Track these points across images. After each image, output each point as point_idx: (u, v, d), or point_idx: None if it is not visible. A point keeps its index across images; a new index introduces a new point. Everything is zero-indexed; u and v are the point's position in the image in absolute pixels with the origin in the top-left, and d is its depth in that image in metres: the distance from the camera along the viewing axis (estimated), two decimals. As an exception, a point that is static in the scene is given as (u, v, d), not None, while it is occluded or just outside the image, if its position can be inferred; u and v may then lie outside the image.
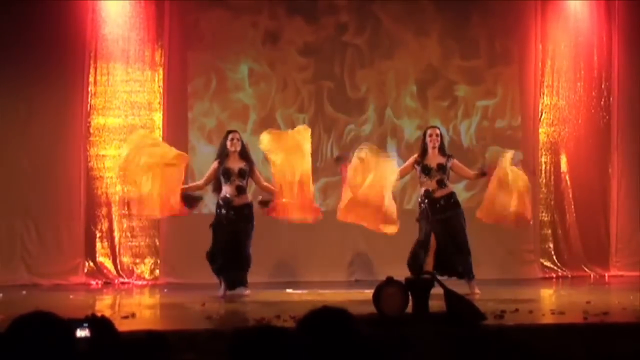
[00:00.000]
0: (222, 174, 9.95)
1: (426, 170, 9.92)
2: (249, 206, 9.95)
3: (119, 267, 11.91)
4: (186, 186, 10.02)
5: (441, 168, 9.93)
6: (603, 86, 12.60)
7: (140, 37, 12.06)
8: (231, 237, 9.87)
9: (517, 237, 12.33)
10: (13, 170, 11.73)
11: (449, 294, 7.49)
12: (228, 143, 10.00)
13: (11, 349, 3.08)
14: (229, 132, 10.23)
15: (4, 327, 3.23)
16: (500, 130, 12.49)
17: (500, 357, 3.82)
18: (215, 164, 10.05)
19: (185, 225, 12.05)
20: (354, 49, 12.35)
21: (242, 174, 9.94)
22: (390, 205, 9.50)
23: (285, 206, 9.74)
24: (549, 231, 12.52)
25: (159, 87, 12.08)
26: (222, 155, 10.03)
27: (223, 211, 9.94)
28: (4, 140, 11.75)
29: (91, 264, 11.88)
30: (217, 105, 12.18)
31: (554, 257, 12.44)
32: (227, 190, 9.92)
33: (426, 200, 9.86)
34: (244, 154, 10.04)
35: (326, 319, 3.26)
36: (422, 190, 9.94)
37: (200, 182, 10.24)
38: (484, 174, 10.04)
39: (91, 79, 11.92)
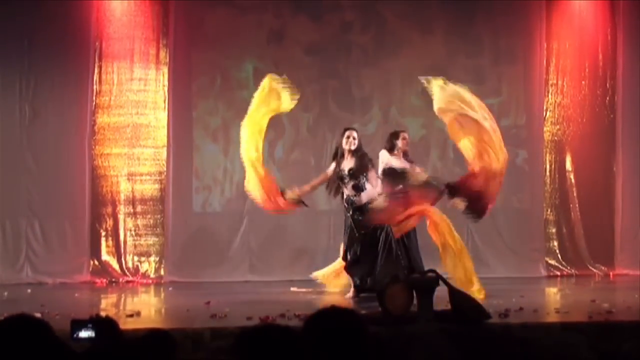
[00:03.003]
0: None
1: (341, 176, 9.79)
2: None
3: (124, 265, 11.93)
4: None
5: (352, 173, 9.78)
6: (608, 85, 12.58)
7: (145, 36, 12.08)
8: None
9: (522, 236, 12.35)
10: (18, 169, 11.75)
11: (454, 293, 7.50)
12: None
13: None
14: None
15: None
16: (505, 129, 12.42)
17: (505, 355, 3.83)
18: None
19: (190, 224, 12.09)
20: (359, 48, 12.35)
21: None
22: None
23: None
24: (554, 230, 12.52)
25: (164, 85, 12.09)
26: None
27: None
28: (9, 139, 11.76)
29: (96, 262, 11.90)
30: (221, 104, 12.18)
31: (559, 256, 12.44)
32: None
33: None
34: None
35: (334, 319, 3.26)
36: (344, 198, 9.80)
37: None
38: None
39: (96, 78, 11.93)
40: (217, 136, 12.16)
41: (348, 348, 3.15)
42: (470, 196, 9.31)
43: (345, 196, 9.76)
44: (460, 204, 9.34)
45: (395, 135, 9.97)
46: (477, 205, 9.39)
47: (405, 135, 10.02)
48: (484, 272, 11.86)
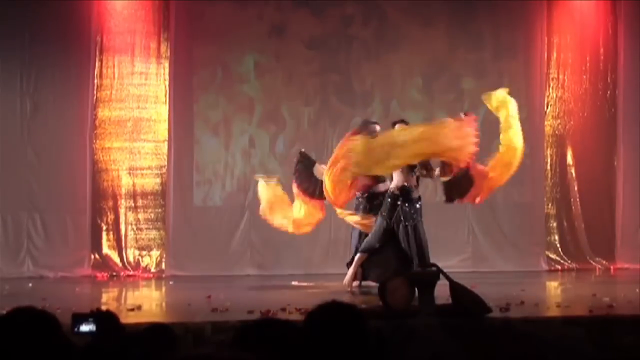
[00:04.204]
0: None
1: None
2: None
3: (125, 259, 11.92)
4: None
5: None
6: (609, 79, 12.57)
7: (145, 30, 12.06)
8: None
9: (523, 230, 12.35)
10: (19, 163, 11.74)
11: (455, 287, 7.50)
12: None
13: None
14: None
15: None
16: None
17: (506, 349, 3.83)
18: None
19: (191, 218, 12.09)
20: (360, 42, 12.34)
21: None
22: None
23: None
24: (555, 224, 12.51)
25: (165, 79, 12.08)
26: None
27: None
28: (10, 133, 11.76)
29: (97, 256, 11.90)
30: (222, 97, 12.18)
31: (560, 250, 12.44)
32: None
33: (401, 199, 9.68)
34: None
35: (335, 314, 3.26)
36: (398, 185, 9.65)
37: None
38: None
39: (97, 72, 11.92)
40: (218, 130, 12.16)
41: (348, 342, 3.15)
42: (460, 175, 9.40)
43: (400, 185, 9.62)
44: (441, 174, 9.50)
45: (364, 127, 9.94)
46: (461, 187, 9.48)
47: (374, 127, 9.85)
48: (485, 266, 11.91)
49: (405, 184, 9.55)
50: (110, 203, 12.00)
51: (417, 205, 9.59)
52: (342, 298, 7.75)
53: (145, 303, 8.89)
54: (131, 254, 11.97)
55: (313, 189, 9.79)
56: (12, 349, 3.06)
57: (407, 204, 9.54)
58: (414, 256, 9.37)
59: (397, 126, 9.67)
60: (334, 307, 3.26)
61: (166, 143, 12.05)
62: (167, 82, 12.07)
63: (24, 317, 3.18)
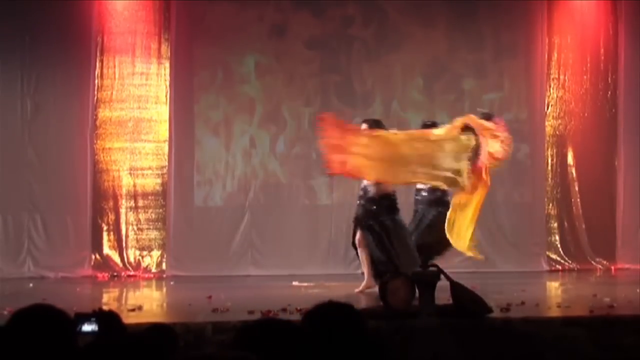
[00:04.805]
0: None
1: None
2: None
3: (125, 259, 11.93)
4: None
5: None
6: (609, 79, 12.57)
7: (146, 30, 12.07)
8: None
9: (524, 230, 12.35)
10: (20, 163, 11.75)
11: (455, 287, 7.50)
12: None
13: (12, 342, 3.09)
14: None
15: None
16: (507, 124, 12.46)
17: (506, 349, 3.84)
18: None
19: (192, 219, 12.10)
20: (360, 42, 12.34)
21: None
22: None
23: None
24: (555, 224, 12.51)
25: (166, 80, 12.08)
26: None
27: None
28: (11, 133, 11.77)
29: (98, 256, 11.90)
30: (223, 98, 12.18)
31: (560, 250, 12.44)
32: None
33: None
34: None
35: (331, 314, 3.27)
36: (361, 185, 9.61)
37: None
38: None
39: (98, 72, 11.93)
40: (219, 130, 12.17)
41: (346, 342, 3.16)
42: None
43: (363, 185, 9.58)
44: None
45: None
46: None
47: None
48: (486, 267, 11.90)
49: (365, 182, 9.54)
50: (111, 203, 12.01)
51: (385, 202, 9.50)
52: (342, 298, 7.77)
53: (146, 303, 8.90)
54: (132, 254, 11.98)
55: None
56: (26, 345, 3.08)
57: (367, 203, 9.51)
58: (395, 255, 9.34)
59: (363, 125, 9.55)
60: (330, 307, 3.27)
61: (167, 143, 12.06)
62: (167, 83, 12.08)
63: (41, 313, 3.19)
